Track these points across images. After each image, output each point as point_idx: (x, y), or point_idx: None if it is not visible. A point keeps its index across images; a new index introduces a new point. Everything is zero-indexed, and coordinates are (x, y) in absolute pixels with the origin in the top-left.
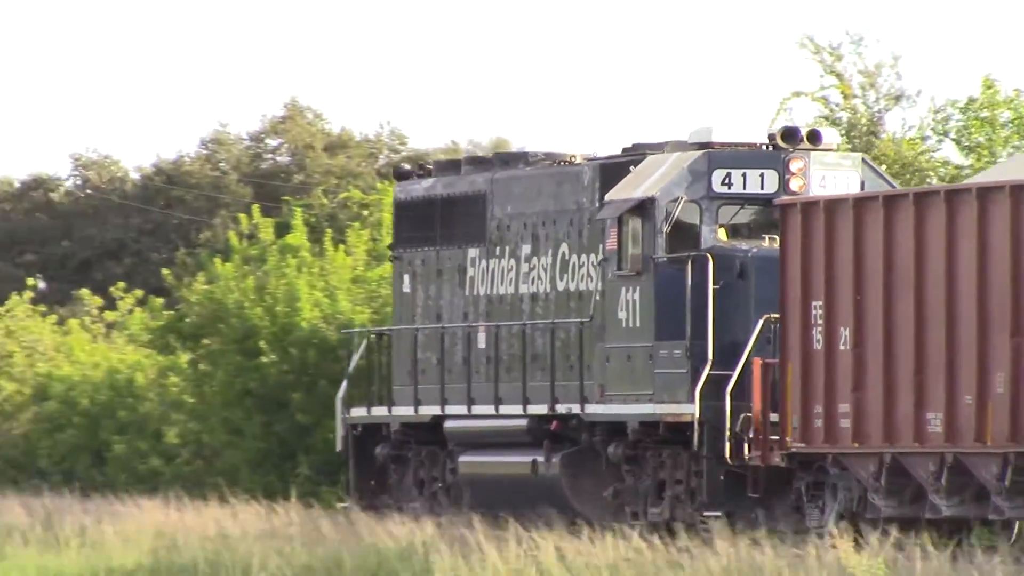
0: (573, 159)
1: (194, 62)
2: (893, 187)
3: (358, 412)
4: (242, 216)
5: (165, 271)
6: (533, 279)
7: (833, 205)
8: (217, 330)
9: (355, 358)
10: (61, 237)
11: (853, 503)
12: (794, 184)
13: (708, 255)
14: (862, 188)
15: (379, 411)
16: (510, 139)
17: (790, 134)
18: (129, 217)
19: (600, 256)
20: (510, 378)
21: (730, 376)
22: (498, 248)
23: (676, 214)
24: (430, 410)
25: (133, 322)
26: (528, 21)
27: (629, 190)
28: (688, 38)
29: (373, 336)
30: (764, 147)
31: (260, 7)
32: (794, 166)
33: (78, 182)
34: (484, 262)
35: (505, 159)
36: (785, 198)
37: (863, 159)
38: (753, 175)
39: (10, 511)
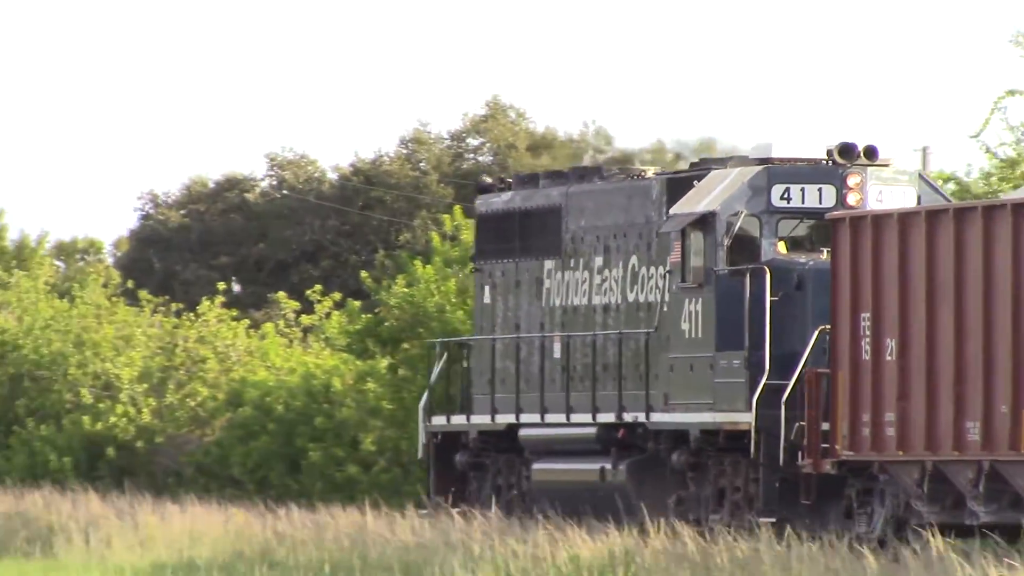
0: (644, 173)
1: (394, 60)
2: (948, 202)
3: (439, 420)
4: (445, 217)
5: (363, 274)
6: (605, 290)
7: (880, 220)
8: (417, 334)
9: (437, 368)
10: (257, 239)
11: (900, 509)
12: (851, 199)
13: (766, 268)
14: (918, 203)
15: (458, 419)
16: (717, 137)
17: (847, 150)
18: (326, 218)
19: (665, 268)
20: (581, 387)
21: (786, 385)
22: (572, 260)
23: (736, 228)
24: (506, 418)
25: (330, 326)
26: (739, 18)
27: (692, 204)
28: (890, 37)
29: (455, 346)
30: (823, 162)
31: (462, 4)
32: (851, 181)
33: (274, 182)
34: (559, 274)
35: (580, 173)
36: (836, 212)
37: (919, 174)
38: (811, 190)
39: (204, 518)
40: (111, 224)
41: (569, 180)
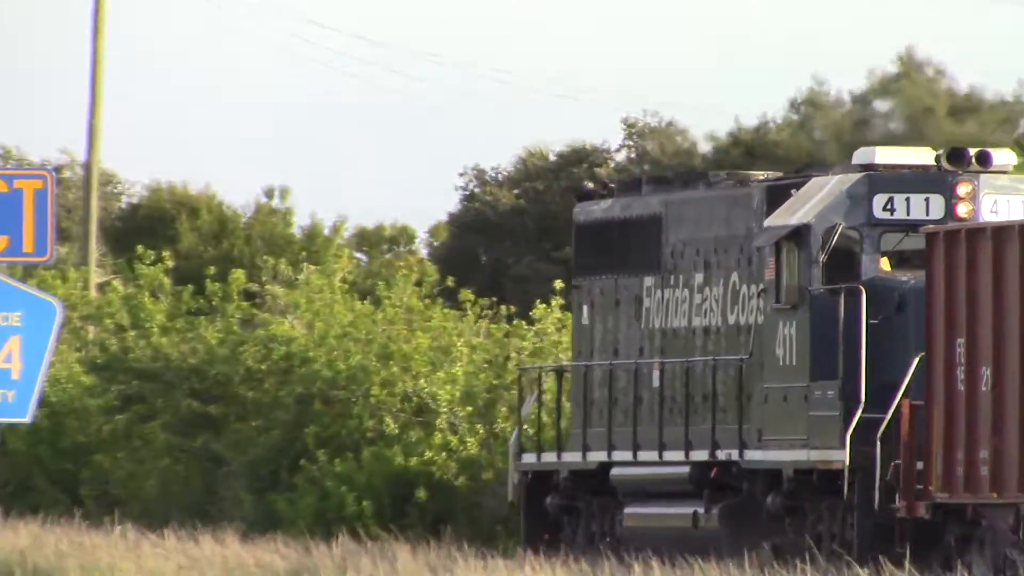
0: (757, 179)
1: (785, 4)
2: None
3: (529, 458)
4: None
5: None
6: (705, 311)
7: (974, 234)
8: None
9: (530, 399)
10: None
11: (1000, 559)
12: (961, 209)
13: (861, 287)
14: None
15: (549, 457)
16: None
17: (957, 155)
18: None
19: (760, 287)
20: (676, 421)
21: (883, 419)
22: (673, 277)
23: (833, 242)
24: (598, 456)
25: None
26: None
27: (786, 216)
28: None
29: (550, 373)
30: (931, 169)
31: None
32: (961, 190)
33: (633, 154)
34: (659, 292)
35: (685, 179)
36: (930, 227)
37: None
38: (917, 200)
39: None
40: (426, 208)
41: (671, 187)
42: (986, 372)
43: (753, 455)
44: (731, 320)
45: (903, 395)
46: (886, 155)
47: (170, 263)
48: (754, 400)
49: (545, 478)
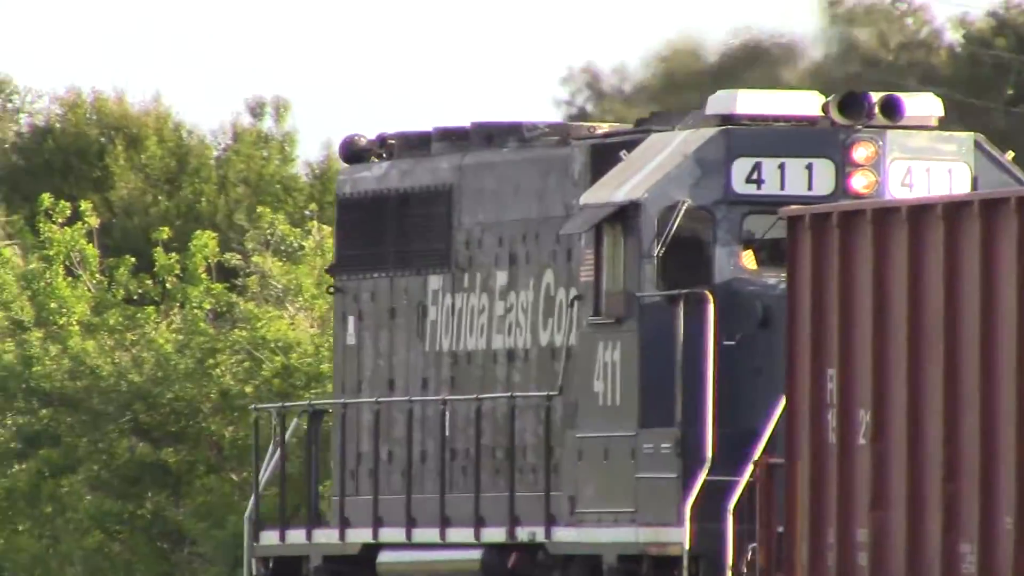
0: (593, 131)
1: None
2: (1020, 184)
3: (270, 537)
4: None
5: None
6: (510, 326)
7: (850, 220)
8: None
9: (272, 453)
10: None
11: None
12: (859, 182)
13: (709, 293)
14: (975, 187)
15: (296, 536)
16: None
17: (853, 103)
18: None
19: (573, 292)
20: (464, 484)
21: (735, 483)
22: (467, 276)
23: (673, 228)
24: (360, 535)
25: None
26: None
27: (610, 189)
28: None
29: (301, 415)
30: (818, 123)
31: None
32: (859, 153)
33: (834, 48)
34: (449, 298)
35: (489, 133)
36: (793, 208)
37: (976, 142)
38: (796, 167)
39: None
40: None
41: (469, 144)
42: (864, 417)
43: (564, 534)
44: (543, 340)
45: (764, 449)
46: (753, 101)
47: (95, 221)
48: (565, 455)
49: (293, 566)
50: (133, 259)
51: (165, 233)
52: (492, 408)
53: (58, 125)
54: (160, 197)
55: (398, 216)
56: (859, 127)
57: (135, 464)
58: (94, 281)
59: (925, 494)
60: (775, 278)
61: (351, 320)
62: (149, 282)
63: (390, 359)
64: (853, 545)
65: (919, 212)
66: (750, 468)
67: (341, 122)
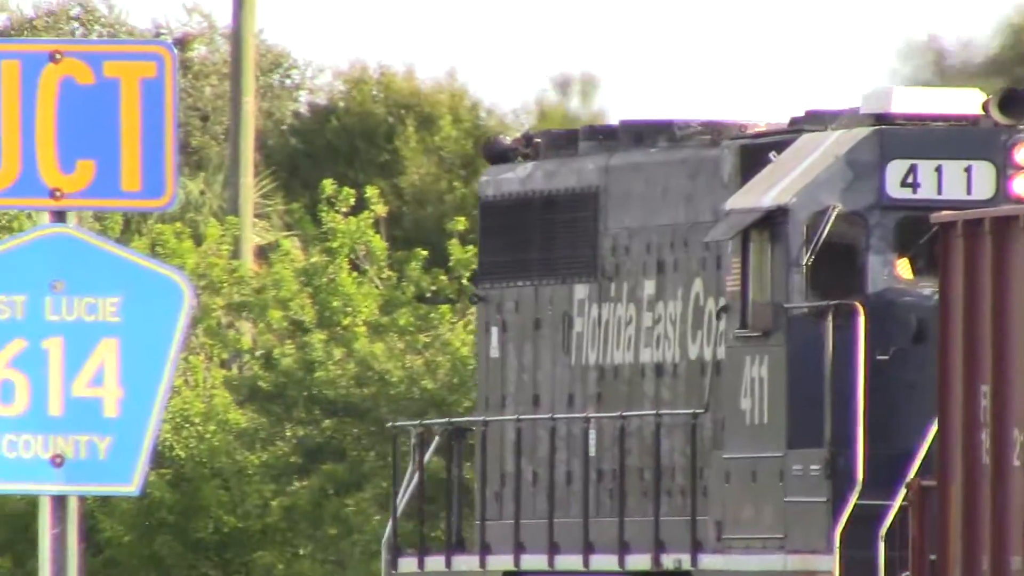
0: (744, 129)
1: None
2: None
3: (409, 565)
4: None
5: None
6: (658, 338)
7: (1004, 226)
8: None
9: (413, 474)
10: None
11: None
12: (1020, 184)
13: (859, 305)
14: None
15: (435, 563)
16: None
17: (1014, 101)
18: None
19: (721, 303)
20: (609, 508)
21: (887, 508)
22: (614, 285)
23: (824, 234)
24: (500, 562)
25: None
26: None
27: (757, 194)
28: None
29: (447, 431)
30: (975, 122)
31: None
32: (1021, 154)
33: None
34: (596, 308)
35: (638, 132)
36: (944, 214)
37: None
38: (953, 169)
39: None
40: None
41: (617, 144)
42: (1019, 437)
43: (710, 561)
44: (692, 353)
45: (917, 472)
46: (909, 100)
47: (383, 210)
48: (711, 477)
49: None
50: (425, 252)
51: (461, 224)
52: (638, 426)
53: (341, 104)
54: (455, 183)
55: (543, 220)
56: (1022, 127)
57: (429, 480)
58: (382, 277)
59: None
60: (932, 288)
61: (495, 331)
62: (443, 278)
63: (535, 373)
64: (1008, 573)
65: None
66: (902, 492)
67: (652, 102)
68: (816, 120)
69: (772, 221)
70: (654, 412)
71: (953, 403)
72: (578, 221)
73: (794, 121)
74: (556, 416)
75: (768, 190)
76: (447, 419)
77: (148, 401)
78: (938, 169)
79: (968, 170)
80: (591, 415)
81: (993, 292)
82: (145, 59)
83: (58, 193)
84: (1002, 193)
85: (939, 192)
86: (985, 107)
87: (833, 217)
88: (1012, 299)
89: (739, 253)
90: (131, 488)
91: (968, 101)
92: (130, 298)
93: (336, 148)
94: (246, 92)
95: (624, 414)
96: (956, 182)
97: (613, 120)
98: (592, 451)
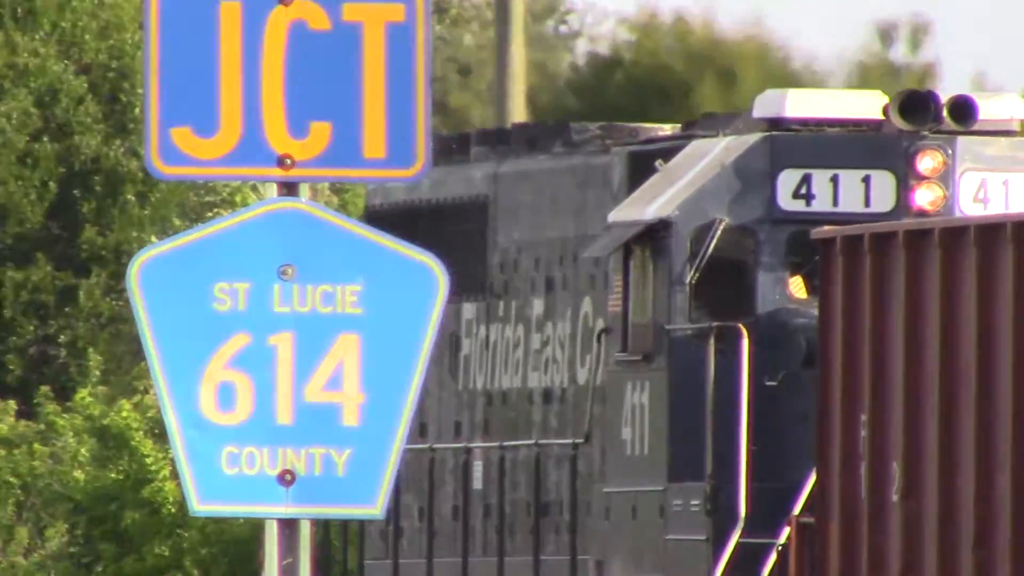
0: (636, 134)
1: None
2: None
3: None
4: None
5: None
6: (546, 361)
7: (883, 242)
8: None
9: None
10: None
11: None
12: (923, 196)
13: (741, 327)
14: None
15: None
16: None
17: (918, 103)
18: None
19: (601, 325)
20: (490, 548)
21: (771, 547)
22: (502, 303)
23: (709, 250)
24: None
25: None
26: None
27: (640, 205)
28: None
29: None
30: (875, 129)
31: None
32: (924, 164)
33: None
34: (483, 328)
35: (531, 136)
36: (823, 229)
37: None
38: (851, 179)
39: None
40: None
41: (508, 149)
42: (896, 470)
43: None
44: (581, 378)
45: (804, 507)
46: (805, 103)
47: None
48: (592, 513)
49: None
50: None
51: None
52: (525, 457)
53: (627, 55)
54: None
55: (430, 232)
56: (925, 133)
57: None
58: None
59: (958, 556)
60: None
61: None
62: None
63: (423, 398)
64: None
65: (952, 235)
66: (786, 530)
67: (991, 51)
68: (709, 125)
69: (654, 236)
70: (534, 442)
71: (832, 434)
72: (466, 234)
73: (687, 125)
74: (435, 446)
75: (651, 202)
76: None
77: (395, 408)
78: (834, 179)
79: (867, 180)
80: (468, 445)
81: (872, 314)
82: (389, 1)
83: (287, 161)
84: (903, 205)
85: (835, 204)
86: (886, 111)
87: (720, 231)
88: (891, 322)
89: (620, 270)
90: (375, 510)
91: (869, 105)
92: (374, 286)
93: (621, 107)
94: (514, 41)
95: (504, 444)
96: (853, 193)
97: (949, 73)
98: (478, 484)
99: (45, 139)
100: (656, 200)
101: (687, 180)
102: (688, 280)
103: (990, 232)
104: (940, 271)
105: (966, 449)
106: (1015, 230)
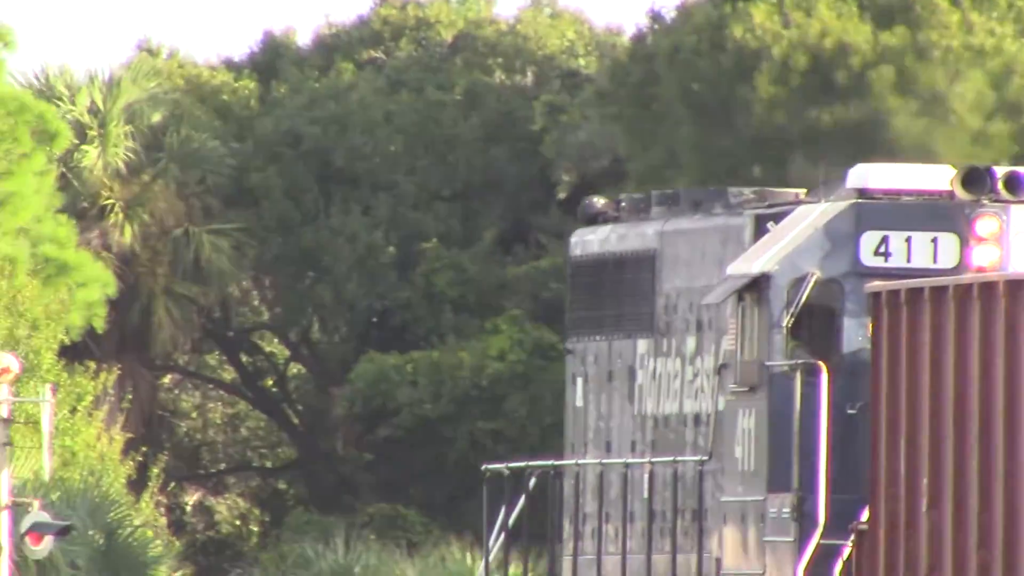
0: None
1: None
2: None
3: None
4: None
5: None
6: (696, 391)
7: (914, 296)
8: None
9: (508, 514)
10: None
11: None
12: (981, 255)
13: (821, 365)
14: None
15: None
16: None
17: (975, 178)
18: None
19: (720, 360)
20: (646, 546)
21: (843, 547)
22: (666, 341)
23: (802, 299)
24: None
25: None
26: None
27: (751, 260)
28: None
29: (545, 473)
30: (942, 197)
31: None
32: (982, 227)
33: None
34: (652, 361)
35: (697, 198)
36: (875, 284)
37: None
38: (921, 240)
39: None
40: None
41: (676, 209)
42: (924, 484)
43: None
44: (722, 404)
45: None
46: (886, 176)
47: None
48: (711, 519)
49: None
50: None
51: None
52: (672, 471)
53: None
54: None
55: (614, 280)
56: (982, 201)
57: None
58: None
59: (966, 559)
60: None
61: (579, 381)
62: None
63: (608, 421)
64: None
65: (984, 287)
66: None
67: None
68: (824, 192)
69: (759, 286)
70: (671, 459)
71: (879, 455)
72: (640, 281)
73: (811, 193)
74: (604, 461)
75: (759, 257)
76: (539, 463)
77: None
78: (908, 240)
79: (935, 241)
80: (628, 460)
81: (908, 358)
82: None
83: None
84: (964, 262)
85: (908, 260)
86: (951, 183)
87: (812, 283)
88: (919, 365)
89: (735, 315)
90: None
91: (938, 177)
92: None
93: None
94: None
95: (651, 460)
96: (923, 251)
97: None
98: (645, 493)
99: (999, 118)
100: (763, 256)
101: (788, 239)
102: (785, 324)
103: (1018, 287)
104: (954, 318)
105: (972, 469)
106: (1007, 288)
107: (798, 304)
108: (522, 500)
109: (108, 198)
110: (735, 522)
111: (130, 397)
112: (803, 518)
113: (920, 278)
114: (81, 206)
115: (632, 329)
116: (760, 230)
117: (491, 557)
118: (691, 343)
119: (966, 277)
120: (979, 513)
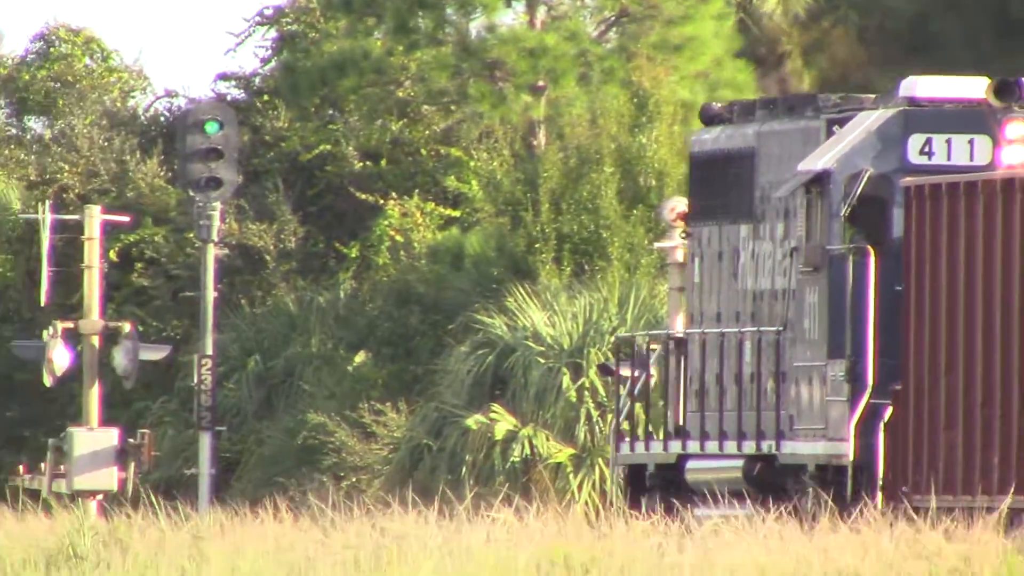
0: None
1: None
2: None
3: (627, 449)
4: None
5: None
6: (785, 269)
7: (934, 192)
8: None
9: (641, 376)
10: None
11: None
12: (1010, 155)
13: (868, 248)
14: None
15: (640, 448)
16: None
17: (1006, 88)
18: None
19: (792, 245)
20: (734, 404)
21: (888, 405)
22: (761, 227)
23: (858, 192)
24: (675, 447)
25: None
26: None
27: (816, 159)
28: None
29: (660, 343)
30: (977, 105)
31: None
32: (1011, 130)
33: None
34: (751, 244)
35: (791, 104)
36: (908, 180)
37: None
38: (960, 142)
39: None
40: None
41: (772, 113)
42: (943, 351)
43: (787, 447)
44: (795, 282)
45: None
46: (931, 86)
47: None
48: (788, 381)
49: (642, 472)
50: None
51: None
52: (748, 340)
53: None
54: None
55: (723, 174)
56: (1011, 107)
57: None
58: None
59: (973, 418)
60: None
61: (697, 261)
62: None
63: (718, 296)
64: (936, 462)
65: (1006, 183)
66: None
67: None
68: (877, 101)
69: (821, 181)
70: (755, 329)
71: (909, 327)
72: (742, 175)
73: (877, 99)
74: (724, 330)
75: (823, 156)
76: (666, 331)
77: None
78: (948, 141)
79: (971, 142)
80: (724, 330)
81: (931, 246)
82: None
83: None
84: (995, 161)
85: (948, 159)
86: (985, 93)
87: (866, 178)
88: (940, 252)
89: (802, 205)
90: None
91: (975, 88)
92: None
93: None
94: None
95: (741, 330)
96: (962, 151)
97: None
98: (747, 357)
99: None
100: (825, 155)
101: (847, 140)
102: (842, 213)
103: None
104: (984, 210)
105: (978, 341)
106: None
107: (854, 196)
108: (650, 365)
109: (787, 44)
110: (804, 383)
111: None
112: (855, 380)
113: (958, 174)
114: (759, 51)
115: (736, 216)
116: (830, 132)
117: (621, 417)
118: (780, 228)
119: (996, 172)
120: (983, 377)
